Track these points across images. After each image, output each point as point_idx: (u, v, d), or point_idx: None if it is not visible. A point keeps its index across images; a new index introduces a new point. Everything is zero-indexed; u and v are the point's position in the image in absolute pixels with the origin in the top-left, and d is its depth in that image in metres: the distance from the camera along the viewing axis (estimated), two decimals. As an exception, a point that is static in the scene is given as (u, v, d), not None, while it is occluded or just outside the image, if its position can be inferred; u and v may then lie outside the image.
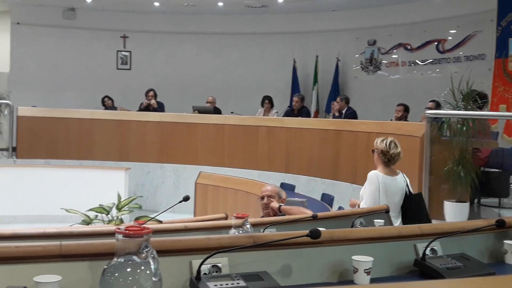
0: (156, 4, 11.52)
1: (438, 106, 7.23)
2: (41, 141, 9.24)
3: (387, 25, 10.77)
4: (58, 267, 1.85)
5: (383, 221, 3.43)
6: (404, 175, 4.42)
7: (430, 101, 7.65)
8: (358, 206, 4.36)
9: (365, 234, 2.43)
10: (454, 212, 5.35)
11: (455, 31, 9.94)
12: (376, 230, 2.81)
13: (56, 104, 10.52)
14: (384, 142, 4.36)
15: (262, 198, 4.23)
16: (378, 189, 4.23)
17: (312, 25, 11.52)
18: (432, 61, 10.27)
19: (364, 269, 2.14)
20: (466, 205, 5.42)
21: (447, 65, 9.95)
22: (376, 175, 4.30)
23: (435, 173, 5.61)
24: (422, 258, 2.29)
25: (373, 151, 4.46)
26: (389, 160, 4.32)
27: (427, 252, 2.31)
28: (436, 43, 10.17)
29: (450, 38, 10.00)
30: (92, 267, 1.86)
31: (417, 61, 10.51)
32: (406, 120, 8.07)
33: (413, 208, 4.28)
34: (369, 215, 3.76)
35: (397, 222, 4.18)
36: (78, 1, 11.68)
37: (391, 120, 8.17)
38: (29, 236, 3.19)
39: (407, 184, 4.36)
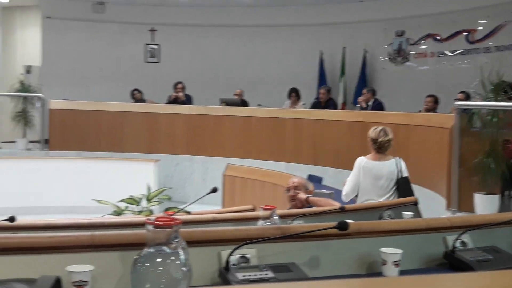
0: (184, -3, 11.58)
1: (467, 97, 7.13)
2: (73, 134, 9.39)
3: (416, 16, 10.61)
4: (90, 257, 1.90)
5: (412, 213, 3.41)
6: (401, 161, 4.76)
7: (460, 92, 7.54)
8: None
9: (393, 226, 2.42)
10: (484, 205, 5.28)
11: (485, 21, 9.75)
12: (404, 222, 2.80)
13: (86, 97, 10.67)
14: (375, 130, 4.70)
15: (289, 189, 4.24)
16: (359, 172, 4.69)
17: (339, 17, 11.42)
18: (462, 51, 10.09)
19: (393, 261, 2.13)
20: (497, 197, 5.34)
21: (477, 55, 9.77)
22: (359, 161, 4.75)
23: (465, 165, 5.53)
24: (451, 250, 2.28)
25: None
26: (379, 147, 4.67)
27: (457, 244, 2.30)
28: (465, 33, 9.99)
29: (480, 28, 9.81)
30: (123, 257, 1.89)
31: (446, 52, 10.35)
32: (435, 111, 7.97)
33: (400, 189, 4.67)
34: (397, 207, 3.74)
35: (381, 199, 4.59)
36: (107, -5, 11.82)
37: (420, 111, 8.07)
38: (62, 226, 3.26)
39: (400, 169, 4.70)
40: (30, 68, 12.63)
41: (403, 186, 4.70)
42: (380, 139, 4.66)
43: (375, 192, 4.64)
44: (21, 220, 3.05)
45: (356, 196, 4.78)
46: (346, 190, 4.77)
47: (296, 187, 4.23)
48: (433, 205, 6.03)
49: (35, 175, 8.38)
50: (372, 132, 4.72)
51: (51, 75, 11.88)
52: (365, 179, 4.69)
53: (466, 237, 2.35)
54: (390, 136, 4.70)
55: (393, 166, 4.71)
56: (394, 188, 4.67)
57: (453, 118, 5.72)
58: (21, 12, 13.20)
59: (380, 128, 4.73)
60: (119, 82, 11.90)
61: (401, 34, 10.94)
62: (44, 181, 8.32)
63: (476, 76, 5.55)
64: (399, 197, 4.59)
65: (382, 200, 4.56)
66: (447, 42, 10.29)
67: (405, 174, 4.75)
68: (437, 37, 10.43)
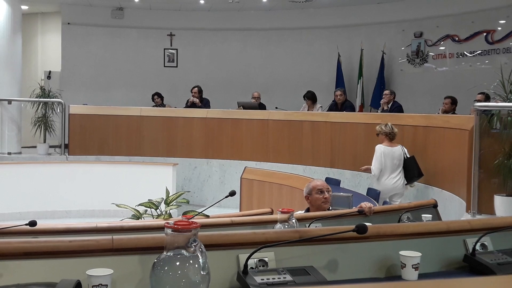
0: (202, 1, 11.63)
1: (487, 98, 7.05)
2: (92, 138, 9.49)
3: (434, 17, 10.53)
4: (110, 260, 1.91)
5: (431, 216, 3.39)
6: (403, 147, 6.65)
7: (479, 93, 7.46)
8: (369, 169, 6.65)
9: (412, 229, 2.41)
10: (505, 207, 5.20)
11: (504, 21, 9.64)
12: (424, 225, 2.78)
13: (106, 101, 10.77)
14: (387, 126, 6.62)
15: (321, 191, 4.10)
16: (381, 155, 6.51)
17: (357, 18, 11.39)
18: (481, 52, 9.98)
19: (412, 265, 2.12)
20: (518, 199, 5.27)
21: (496, 56, 9.66)
22: (378, 147, 6.59)
23: (485, 167, 5.47)
24: (472, 253, 2.26)
25: (377, 134, 6.66)
26: (392, 137, 6.60)
27: (477, 247, 2.27)
28: (485, 34, 9.87)
29: (499, 28, 9.70)
30: (143, 261, 1.91)
31: (465, 52, 10.24)
32: (454, 113, 7.89)
33: (408, 166, 6.60)
34: (416, 209, 3.72)
35: (398, 177, 6.55)
36: (126, 1, 11.90)
37: (438, 113, 8.00)
38: (82, 230, 3.29)
39: (405, 152, 6.62)
40: (50, 73, 12.80)
41: (409, 163, 6.59)
42: (394, 131, 6.59)
43: (391, 169, 6.54)
44: (41, 224, 3.09)
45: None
46: (376, 170, 6.53)
47: (328, 190, 4.13)
48: (452, 207, 5.98)
49: (55, 180, 8.47)
50: (384, 128, 6.60)
51: (71, 81, 12.02)
52: (385, 160, 6.52)
53: (486, 240, 2.32)
54: (396, 129, 6.64)
55: (400, 150, 6.61)
56: (402, 166, 6.58)
57: (473, 119, 5.65)
58: (42, 18, 13.38)
59: (389, 123, 6.64)
60: (139, 87, 12.00)
61: (419, 35, 10.87)
62: (64, 185, 8.41)
63: (495, 76, 5.48)
64: (406, 172, 6.57)
65: (396, 175, 6.53)
66: (466, 43, 10.19)
67: (408, 155, 6.61)
68: (456, 38, 10.34)
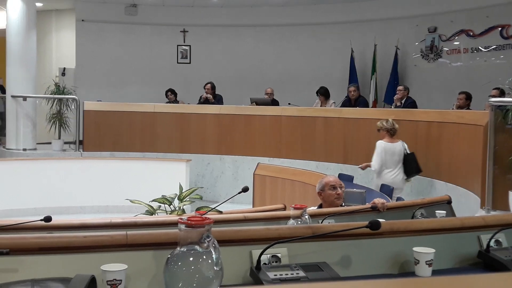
0: (214, -3, 11.65)
1: (502, 93, 6.99)
2: (106, 134, 9.54)
3: (448, 11, 10.43)
4: (124, 256, 1.93)
5: (445, 212, 3.37)
6: (404, 142, 6.65)
7: (494, 89, 7.40)
8: (368, 166, 6.76)
9: (426, 226, 2.39)
10: (520, 203, 5.17)
11: (520, 15, 9.54)
12: (437, 221, 2.77)
13: (120, 98, 10.82)
14: (388, 122, 6.61)
15: (334, 187, 4.10)
16: (382, 151, 6.56)
17: (370, 14, 11.33)
18: (496, 47, 9.88)
19: (426, 261, 2.11)
20: (533, 195, 5.23)
21: (511, 51, 9.56)
22: (379, 143, 6.63)
23: (500, 162, 5.43)
24: (486, 250, 2.24)
25: (378, 130, 6.69)
26: (393, 133, 6.61)
27: (492, 243, 2.26)
28: (500, 28, 9.77)
29: (515, 23, 9.60)
30: (156, 256, 1.92)
31: (480, 47, 10.15)
32: (468, 108, 7.83)
33: (407, 162, 6.62)
34: (430, 206, 3.70)
35: (397, 172, 6.59)
36: (138, -3, 11.96)
37: (452, 109, 7.94)
38: (96, 226, 3.32)
39: (405, 148, 6.64)
40: (65, 70, 12.89)
41: (409, 159, 6.63)
42: (395, 127, 6.59)
43: (391, 164, 6.59)
44: (56, 220, 3.12)
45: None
46: (377, 165, 6.57)
47: (341, 186, 4.12)
48: (467, 203, 5.94)
49: (70, 176, 8.53)
50: (386, 124, 6.61)
51: (85, 77, 12.10)
52: (385, 156, 6.57)
53: (501, 236, 2.31)
54: (397, 125, 6.64)
55: (401, 146, 6.65)
56: (402, 161, 6.61)
57: (487, 115, 5.61)
58: (56, 15, 13.47)
59: (390, 120, 6.65)
60: (153, 83, 12.05)
61: (433, 30, 10.78)
62: (78, 181, 8.47)
63: (510, 72, 5.45)
64: (405, 167, 6.62)
65: (395, 170, 6.57)
66: (480, 37, 10.09)
67: (409, 151, 6.64)
68: (470, 33, 10.24)
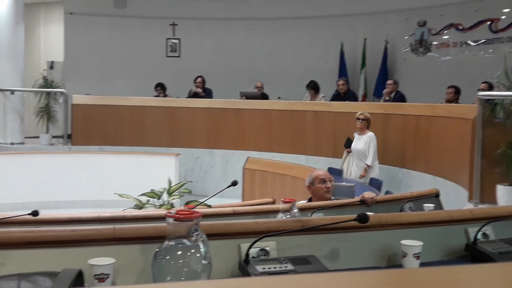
0: (204, -10, 11.59)
1: (490, 87, 7.03)
2: (95, 128, 9.49)
3: (438, 5, 10.46)
4: (112, 250, 1.92)
5: (433, 205, 3.39)
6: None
7: (483, 83, 7.43)
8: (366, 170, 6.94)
9: (414, 219, 2.41)
10: (507, 196, 5.20)
11: (508, 10, 9.57)
12: (425, 214, 2.78)
13: (108, 91, 10.75)
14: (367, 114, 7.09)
15: (324, 181, 4.12)
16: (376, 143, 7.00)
17: (360, 8, 11.32)
18: (485, 41, 9.94)
19: (413, 254, 2.12)
20: (520, 189, 5.27)
21: (500, 45, 9.61)
22: (374, 136, 7.00)
23: (488, 156, 5.46)
24: (473, 242, 2.26)
25: (365, 120, 7.06)
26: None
27: (479, 236, 2.28)
28: (489, 22, 9.82)
29: (503, 17, 9.64)
30: (144, 250, 1.91)
31: (469, 41, 10.20)
32: (457, 102, 7.87)
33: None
34: (418, 199, 3.72)
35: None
36: (127, -10, 11.89)
37: (441, 102, 7.98)
38: (84, 220, 3.31)
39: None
40: (53, 64, 12.80)
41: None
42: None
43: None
44: (44, 214, 3.10)
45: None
46: (375, 161, 6.95)
47: (331, 180, 4.13)
48: (455, 197, 5.97)
49: (58, 170, 8.49)
50: (369, 115, 7.08)
51: (73, 71, 12.02)
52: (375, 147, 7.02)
53: (488, 229, 2.32)
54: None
55: None
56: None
57: (476, 108, 5.64)
58: (44, 8, 13.37)
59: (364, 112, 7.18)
60: (142, 77, 11.98)
61: (423, 24, 10.81)
62: (66, 175, 8.43)
63: (499, 66, 5.46)
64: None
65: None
66: (470, 31, 10.13)
67: None
68: (460, 27, 10.28)
